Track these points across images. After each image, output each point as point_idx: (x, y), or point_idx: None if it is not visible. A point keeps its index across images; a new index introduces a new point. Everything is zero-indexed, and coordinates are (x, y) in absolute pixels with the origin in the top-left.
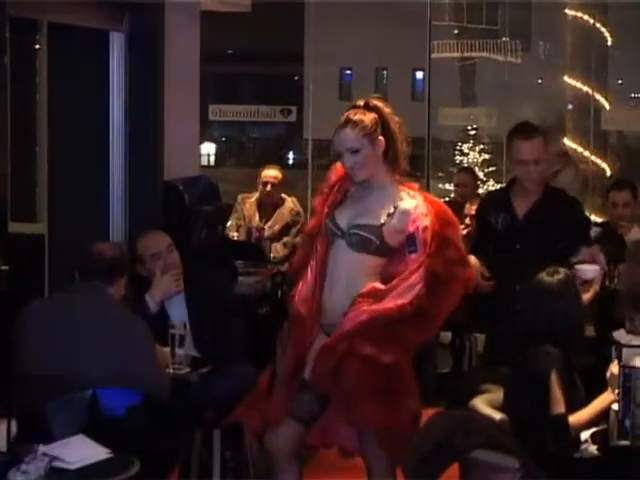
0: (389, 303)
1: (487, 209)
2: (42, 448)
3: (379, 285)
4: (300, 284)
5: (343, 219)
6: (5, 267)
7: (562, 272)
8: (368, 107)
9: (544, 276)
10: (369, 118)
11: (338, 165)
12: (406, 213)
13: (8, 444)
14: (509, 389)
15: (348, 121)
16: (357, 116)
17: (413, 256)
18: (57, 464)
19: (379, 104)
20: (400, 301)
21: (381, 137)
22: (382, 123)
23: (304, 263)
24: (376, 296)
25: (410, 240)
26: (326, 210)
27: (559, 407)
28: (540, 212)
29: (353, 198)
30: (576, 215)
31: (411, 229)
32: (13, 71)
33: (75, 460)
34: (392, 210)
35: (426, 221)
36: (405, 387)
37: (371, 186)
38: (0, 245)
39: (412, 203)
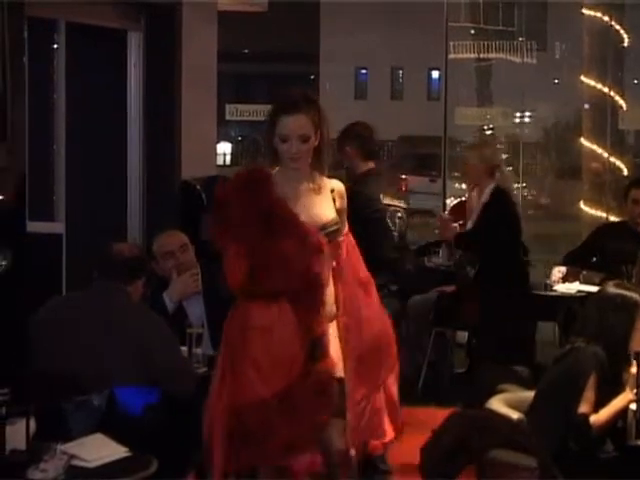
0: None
1: None
2: (61, 447)
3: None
4: None
5: (305, 219)
6: (4, 262)
7: (625, 290)
8: (308, 97)
9: (611, 287)
10: (313, 108)
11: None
12: (344, 193)
13: (27, 443)
14: (543, 382)
15: (299, 107)
16: (305, 104)
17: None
18: (76, 462)
19: (314, 95)
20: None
21: (319, 130)
22: (320, 117)
23: None
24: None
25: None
26: None
27: (585, 407)
28: None
29: (289, 197)
30: None
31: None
32: (31, 70)
33: (94, 458)
34: (332, 193)
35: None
36: None
37: (301, 179)
38: (19, 244)
39: (340, 183)
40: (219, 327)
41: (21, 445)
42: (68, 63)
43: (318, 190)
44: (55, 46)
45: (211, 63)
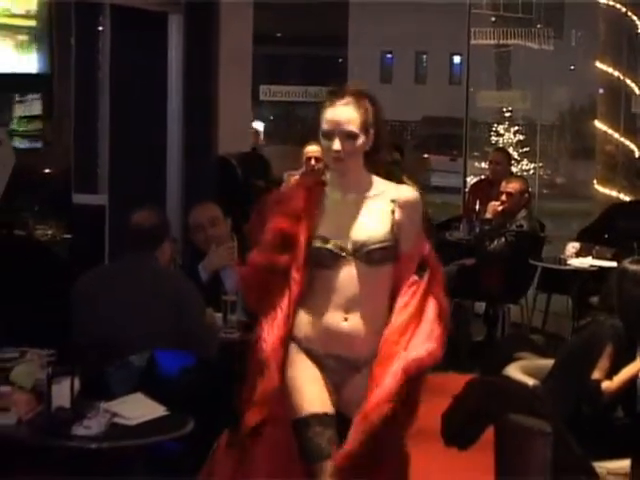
0: (419, 348)
1: None
2: (103, 405)
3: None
4: (268, 321)
5: (342, 237)
6: (68, 236)
7: None
8: (360, 91)
9: (630, 263)
10: (366, 104)
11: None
12: (410, 203)
13: (72, 401)
14: (562, 350)
15: (348, 101)
16: (357, 98)
17: (418, 279)
18: (117, 420)
19: (370, 91)
20: (428, 346)
21: (372, 130)
22: (374, 114)
23: (269, 299)
24: (403, 333)
25: (423, 261)
26: (305, 234)
27: (599, 374)
28: None
29: (334, 209)
30: None
31: (425, 249)
32: (78, 51)
33: (134, 416)
34: (392, 204)
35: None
36: None
37: (351, 186)
38: (65, 215)
39: (409, 191)
40: None
41: (66, 403)
42: (112, 44)
43: (372, 199)
44: (100, 28)
45: (247, 45)
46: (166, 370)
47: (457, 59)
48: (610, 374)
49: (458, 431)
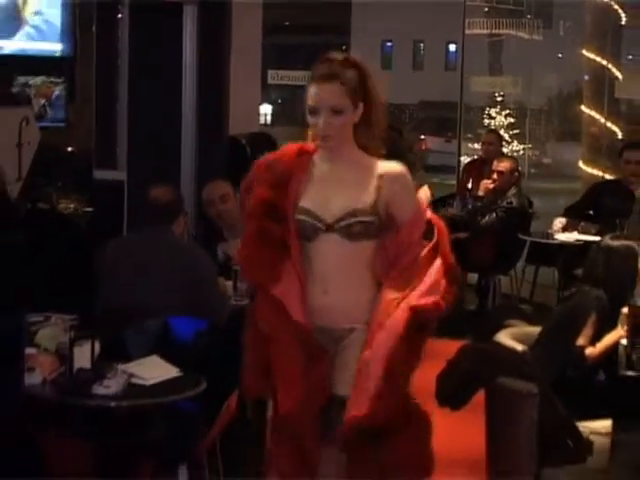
0: (422, 299)
1: None
2: (121, 366)
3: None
4: (282, 294)
5: (321, 209)
6: (90, 209)
7: (625, 241)
8: (349, 62)
9: (612, 239)
10: (353, 75)
11: (288, 148)
12: (399, 177)
13: (92, 363)
14: (549, 318)
15: (333, 74)
16: (342, 71)
17: (425, 242)
18: (134, 380)
19: (361, 61)
20: (432, 298)
21: (361, 102)
22: (363, 85)
23: (271, 267)
24: (401, 287)
25: (429, 227)
26: (291, 205)
27: (583, 341)
28: None
29: (319, 180)
30: None
31: (427, 214)
32: (99, 39)
33: (150, 377)
34: (379, 179)
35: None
36: None
37: (339, 159)
38: (86, 190)
39: (397, 166)
40: None
41: (87, 364)
42: (131, 32)
43: (358, 173)
44: (120, 16)
45: (256, 33)
46: (180, 334)
47: (452, 47)
48: (593, 341)
49: (451, 393)
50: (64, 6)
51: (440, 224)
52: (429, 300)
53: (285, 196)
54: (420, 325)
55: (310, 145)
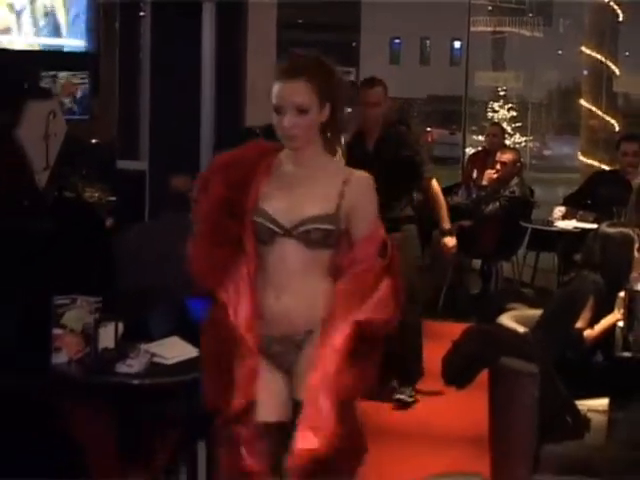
0: (370, 314)
1: None
2: (144, 346)
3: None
4: (232, 299)
5: (280, 213)
6: (113, 198)
7: (622, 228)
8: (316, 60)
9: (608, 227)
10: (320, 73)
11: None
12: (363, 185)
13: (115, 342)
14: (549, 302)
15: (298, 71)
16: (309, 68)
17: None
18: (156, 359)
19: (328, 60)
20: (383, 314)
21: (328, 102)
22: (330, 85)
23: (224, 268)
24: (350, 305)
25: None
26: (251, 205)
27: (581, 324)
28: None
29: (281, 182)
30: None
31: (381, 233)
32: (122, 35)
33: (171, 356)
34: (342, 185)
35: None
36: None
37: (304, 162)
38: (110, 179)
39: (362, 174)
40: None
41: (111, 344)
42: (152, 29)
43: (323, 178)
44: (142, 14)
45: (271, 31)
46: (199, 315)
47: (457, 44)
48: (591, 323)
49: (457, 373)
50: (89, 5)
51: (393, 245)
52: (375, 316)
53: (244, 195)
54: (365, 341)
55: (274, 145)
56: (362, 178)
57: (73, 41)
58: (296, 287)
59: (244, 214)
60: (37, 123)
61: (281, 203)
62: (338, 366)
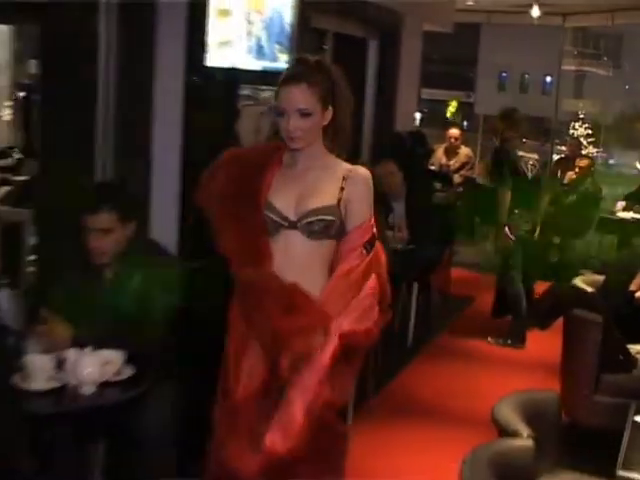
0: (354, 325)
1: None
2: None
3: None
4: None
5: (286, 206)
6: None
7: None
8: (320, 66)
9: None
10: (323, 78)
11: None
12: (362, 179)
13: None
14: (610, 269)
15: (300, 76)
16: (311, 73)
17: (364, 254)
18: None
19: (332, 67)
20: (365, 325)
21: (331, 107)
22: (333, 89)
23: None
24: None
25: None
26: (265, 195)
27: (634, 286)
28: None
29: (286, 177)
30: None
31: (373, 229)
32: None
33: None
34: (342, 181)
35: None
36: None
37: (306, 159)
38: None
39: (362, 169)
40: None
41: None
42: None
43: (324, 174)
44: (325, 47)
45: (416, 64)
46: None
47: (548, 78)
48: None
49: (541, 317)
50: (289, 34)
51: (379, 244)
52: (360, 327)
53: (252, 188)
54: (349, 351)
55: (280, 144)
56: (360, 174)
57: (276, 63)
58: (298, 277)
59: (254, 207)
60: (252, 121)
61: (286, 197)
62: (320, 379)
